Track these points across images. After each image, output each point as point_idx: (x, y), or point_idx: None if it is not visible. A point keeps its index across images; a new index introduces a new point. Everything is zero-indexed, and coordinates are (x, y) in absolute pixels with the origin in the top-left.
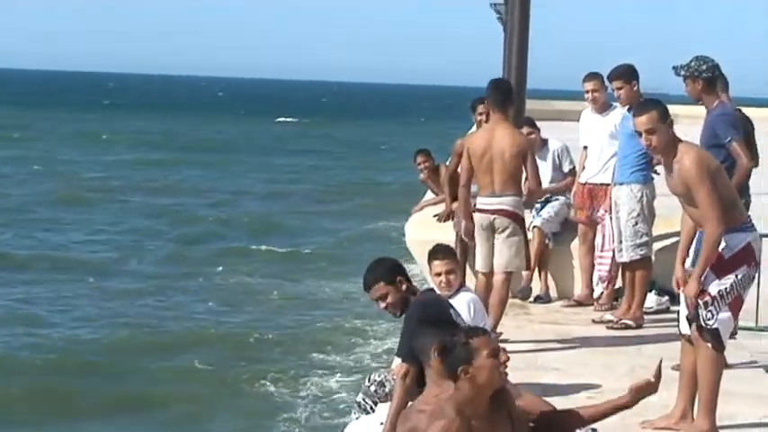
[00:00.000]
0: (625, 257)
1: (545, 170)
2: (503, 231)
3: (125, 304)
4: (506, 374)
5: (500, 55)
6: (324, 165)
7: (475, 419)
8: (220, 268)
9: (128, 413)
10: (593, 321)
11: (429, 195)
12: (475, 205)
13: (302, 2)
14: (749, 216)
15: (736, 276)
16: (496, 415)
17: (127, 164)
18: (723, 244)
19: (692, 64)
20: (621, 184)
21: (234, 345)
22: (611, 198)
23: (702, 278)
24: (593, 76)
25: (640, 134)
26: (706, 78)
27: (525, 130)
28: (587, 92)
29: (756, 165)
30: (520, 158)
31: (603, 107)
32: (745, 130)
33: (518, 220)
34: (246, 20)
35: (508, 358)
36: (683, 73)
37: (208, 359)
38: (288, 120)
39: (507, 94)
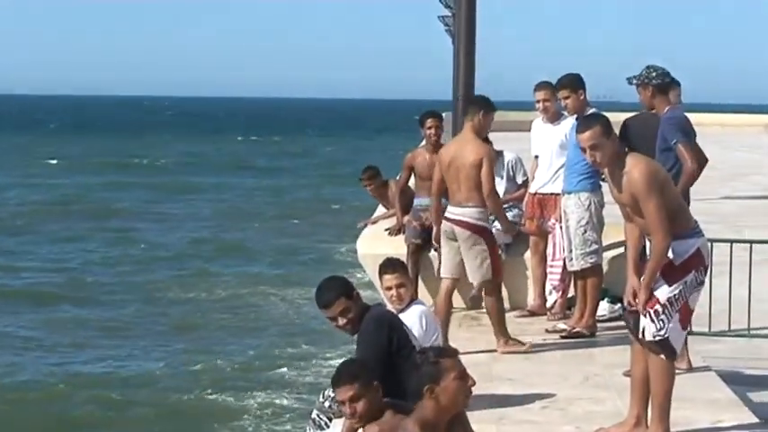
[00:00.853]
0: (576, 266)
1: (499, 182)
2: (464, 242)
3: (75, 330)
4: (470, 399)
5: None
6: (282, 184)
7: None
8: (171, 292)
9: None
10: (547, 331)
11: (381, 210)
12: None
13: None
14: (696, 221)
15: (686, 283)
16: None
17: (79, 186)
18: (671, 252)
19: (643, 72)
20: (570, 192)
21: (185, 364)
22: (560, 207)
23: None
24: (543, 85)
25: (584, 150)
26: (656, 85)
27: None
28: (538, 101)
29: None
30: (479, 168)
31: (554, 116)
32: (691, 133)
33: (479, 230)
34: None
35: (474, 383)
36: (635, 82)
37: (162, 380)
38: (249, 138)
39: (474, 104)
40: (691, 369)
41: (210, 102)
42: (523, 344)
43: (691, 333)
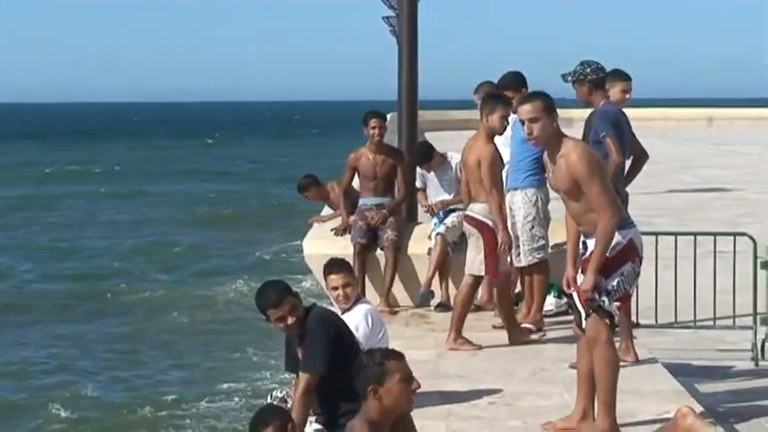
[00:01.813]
0: (523, 262)
1: (448, 183)
2: (470, 237)
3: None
4: (413, 402)
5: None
6: (229, 188)
7: None
8: (113, 295)
9: None
10: (494, 327)
11: (328, 210)
12: None
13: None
14: (628, 213)
15: (622, 274)
16: None
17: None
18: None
19: (577, 69)
20: (516, 189)
21: (126, 370)
22: (506, 204)
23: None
24: (484, 85)
25: (523, 122)
26: (591, 81)
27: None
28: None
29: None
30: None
31: None
32: (621, 128)
33: (479, 225)
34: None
35: (419, 386)
36: (570, 79)
37: (106, 386)
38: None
39: (486, 102)
40: (637, 362)
41: (170, 107)
42: (473, 344)
43: (637, 326)
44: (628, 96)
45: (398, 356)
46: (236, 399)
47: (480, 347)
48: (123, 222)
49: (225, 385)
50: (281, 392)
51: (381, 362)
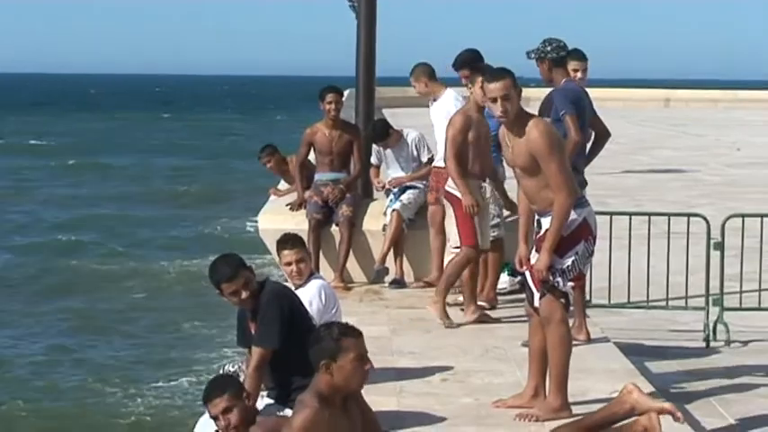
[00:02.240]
0: None
1: (405, 160)
2: (447, 210)
3: None
4: (365, 382)
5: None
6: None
7: (330, 413)
8: (67, 270)
9: None
10: (448, 304)
11: (284, 185)
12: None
13: None
14: (583, 192)
15: (577, 253)
16: (349, 413)
17: None
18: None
19: (539, 46)
20: None
21: (78, 347)
22: None
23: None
24: (418, 67)
25: (495, 100)
26: (552, 59)
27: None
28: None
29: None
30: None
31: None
32: (581, 107)
33: (449, 197)
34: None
35: (372, 367)
36: (533, 56)
37: (57, 363)
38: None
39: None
40: (589, 341)
41: (130, 79)
42: (449, 318)
43: (589, 305)
44: (579, 76)
45: (356, 334)
46: (191, 375)
47: (452, 324)
48: (78, 196)
49: (178, 360)
50: (233, 367)
51: (338, 338)
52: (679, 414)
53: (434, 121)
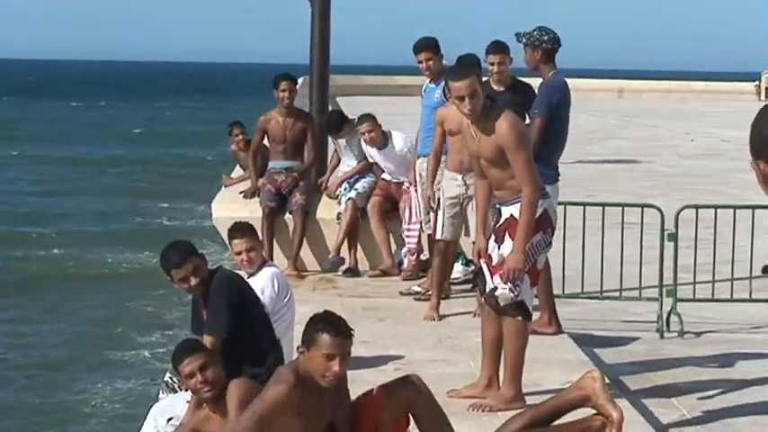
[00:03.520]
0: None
1: (358, 150)
2: None
3: None
4: (331, 382)
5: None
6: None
7: (303, 393)
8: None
9: None
10: (401, 293)
11: (238, 172)
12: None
13: None
14: (543, 184)
15: (532, 243)
16: (323, 399)
17: None
18: (518, 213)
19: (535, 33)
20: (426, 156)
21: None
22: (415, 170)
23: (500, 248)
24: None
25: (462, 98)
26: (546, 49)
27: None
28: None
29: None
30: None
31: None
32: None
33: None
34: None
35: (336, 375)
36: (524, 41)
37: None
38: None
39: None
40: (559, 332)
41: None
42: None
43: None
44: (495, 69)
45: (337, 333)
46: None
47: (435, 316)
48: (21, 185)
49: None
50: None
51: (320, 330)
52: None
53: None
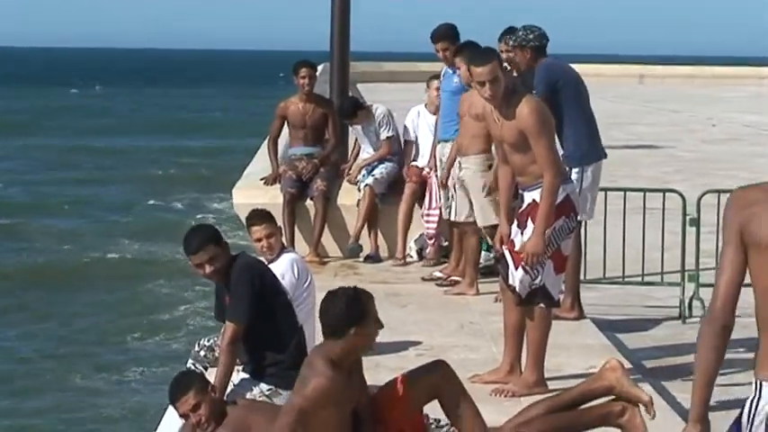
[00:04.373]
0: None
1: (374, 135)
2: None
3: None
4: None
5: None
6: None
7: (341, 380)
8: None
9: None
10: (423, 279)
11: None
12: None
13: None
14: (565, 168)
15: (554, 228)
16: (353, 378)
17: None
18: (539, 198)
19: (520, 33)
20: (446, 141)
21: (43, 337)
22: (435, 156)
23: (522, 234)
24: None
25: (483, 84)
26: (534, 47)
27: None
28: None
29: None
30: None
31: None
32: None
33: None
34: None
35: (382, 326)
36: (511, 43)
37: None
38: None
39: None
40: (581, 317)
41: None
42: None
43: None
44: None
45: (371, 296)
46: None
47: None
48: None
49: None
50: (208, 341)
51: (365, 301)
52: (653, 411)
53: None
